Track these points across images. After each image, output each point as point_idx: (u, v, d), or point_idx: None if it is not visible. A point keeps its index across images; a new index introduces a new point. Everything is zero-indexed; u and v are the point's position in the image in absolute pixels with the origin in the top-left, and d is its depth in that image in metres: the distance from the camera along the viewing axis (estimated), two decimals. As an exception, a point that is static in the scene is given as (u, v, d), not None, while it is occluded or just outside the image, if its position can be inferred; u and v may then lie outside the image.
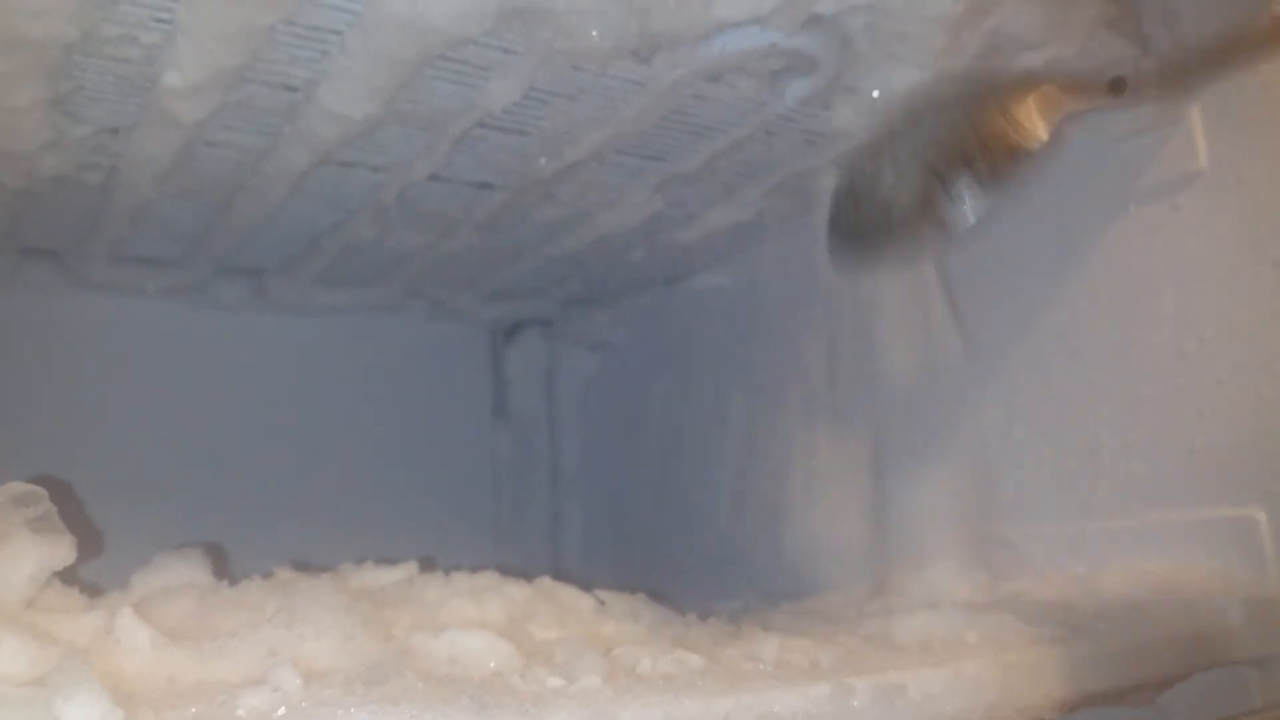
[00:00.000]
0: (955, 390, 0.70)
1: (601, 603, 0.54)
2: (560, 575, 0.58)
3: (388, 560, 0.58)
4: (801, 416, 0.84)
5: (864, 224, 0.55)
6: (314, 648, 0.38)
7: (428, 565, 0.57)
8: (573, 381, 1.11)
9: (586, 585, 0.57)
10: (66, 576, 0.42)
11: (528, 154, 0.66)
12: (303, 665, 0.36)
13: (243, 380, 0.94)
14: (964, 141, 0.51)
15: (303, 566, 0.57)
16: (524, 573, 0.58)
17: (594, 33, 0.51)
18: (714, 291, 0.94)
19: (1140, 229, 0.62)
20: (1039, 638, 0.44)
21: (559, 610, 0.51)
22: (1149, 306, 0.61)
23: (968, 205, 0.50)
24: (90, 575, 0.45)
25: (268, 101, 0.56)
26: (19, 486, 0.41)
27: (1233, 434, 0.57)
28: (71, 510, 0.41)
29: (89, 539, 0.43)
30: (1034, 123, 0.51)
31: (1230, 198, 0.59)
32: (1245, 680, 0.50)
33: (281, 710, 0.29)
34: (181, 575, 0.49)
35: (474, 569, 0.56)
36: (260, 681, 0.31)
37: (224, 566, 0.52)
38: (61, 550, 0.40)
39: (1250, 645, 0.49)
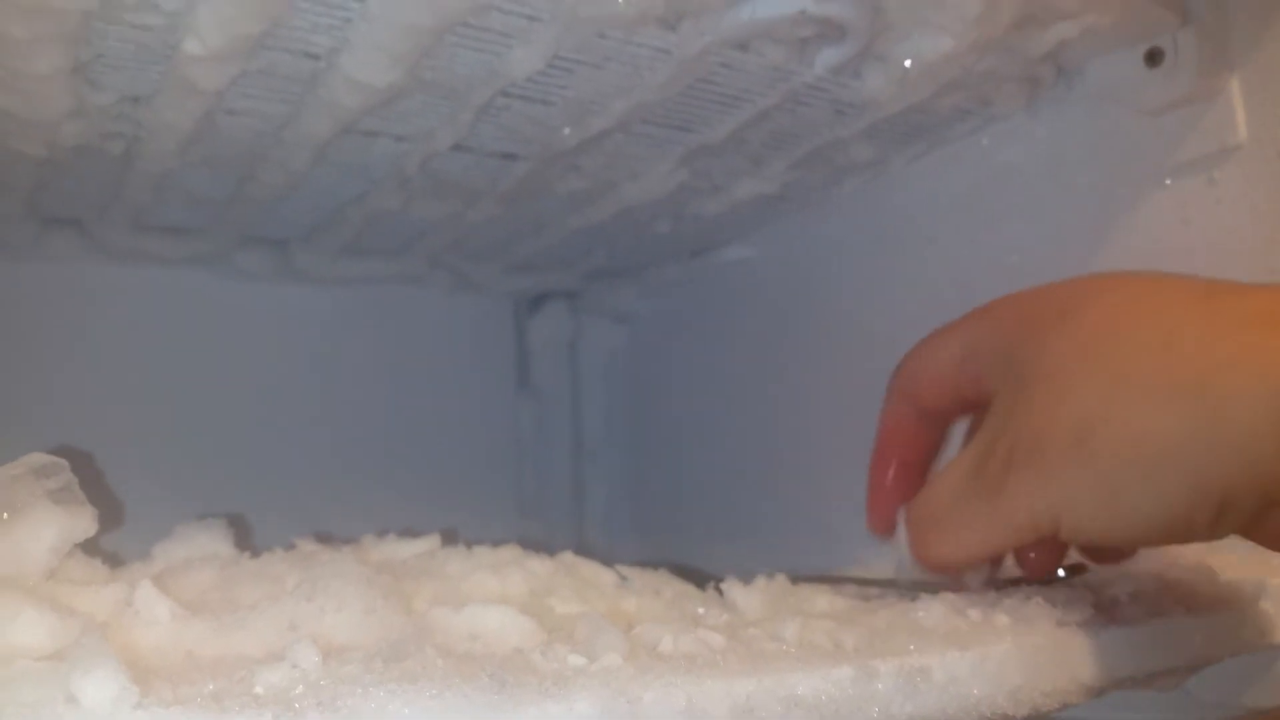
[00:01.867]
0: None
1: (623, 578, 0.54)
2: (583, 549, 0.58)
3: (410, 533, 0.58)
4: (827, 390, 0.83)
5: None
6: (334, 621, 0.38)
7: (449, 538, 0.57)
8: (597, 354, 1.11)
9: (609, 559, 0.56)
10: (88, 548, 0.42)
11: (552, 124, 0.65)
12: (323, 640, 0.36)
13: (266, 351, 0.93)
14: None
15: (325, 538, 0.57)
16: (546, 546, 0.58)
17: (620, -1, 0.50)
18: (740, 264, 0.93)
19: (1176, 203, 0.61)
20: (1066, 620, 0.43)
21: (580, 585, 0.51)
22: (1185, 281, 0.60)
23: None
24: (112, 546, 0.46)
25: (289, 69, 0.56)
26: (40, 457, 0.41)
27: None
28: (93, 481, 0.41)
29: (110, 510, 0.43)
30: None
31: (1269, 171, 0.58)
32: (1277, 666, 0.50)
33: (300, 688, 0.29)
34: (203, 546, 0.49)
35: (496, 542, 0.56)
36: (280, 657, 0.31)
37: (246, 538, 0.52)
38: (83, 521, 0.40)
39: (1283, 630, 0.48)
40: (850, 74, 0.61)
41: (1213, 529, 0.37)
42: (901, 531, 0.50)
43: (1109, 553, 0.48)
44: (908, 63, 0.59)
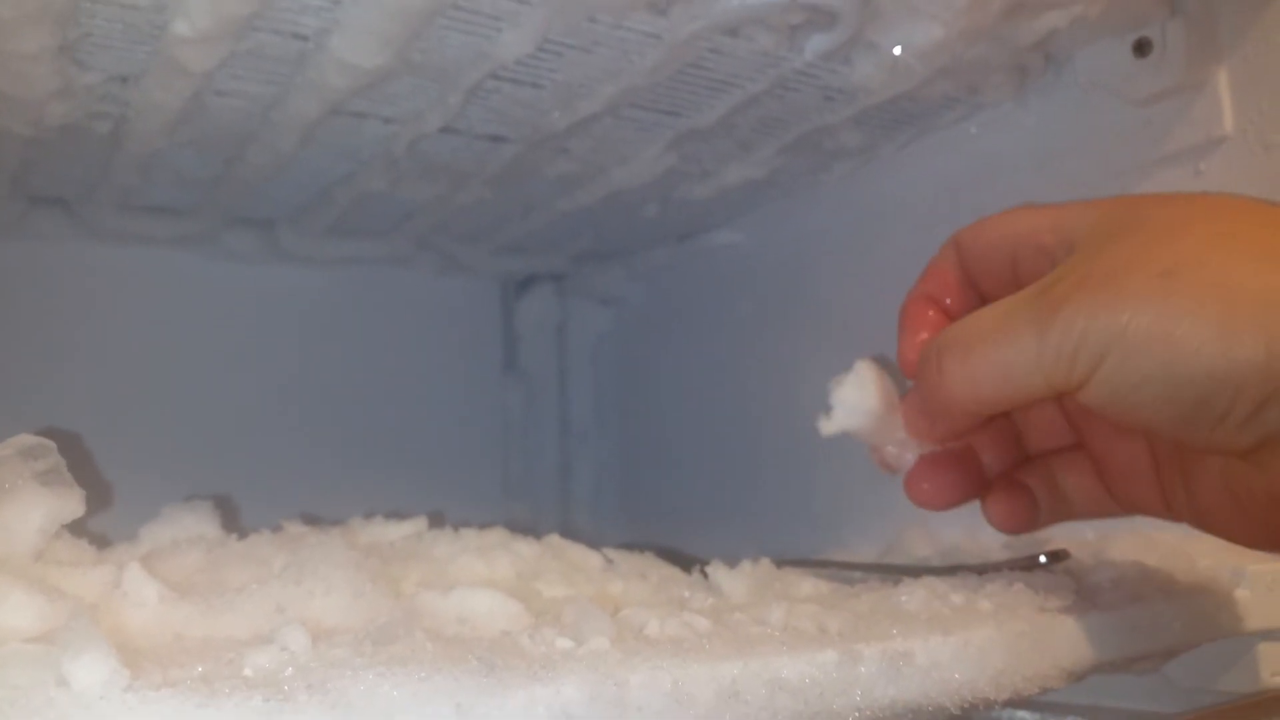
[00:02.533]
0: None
1: (609, 561, 0.54)
2: (569, 532, 0.58)
3: (397, 515, 0.58)
4: (813, 374, 0.83)
5: None
6: (322, 604, 0.38)
7: (436, 520, 0.57)
8: (584, 337, 1.11)
9: (595, 542, 0.57)
10: (75, 529, 0.42)
11: (541, 107, 0.65)
12: (311, 622, 0.36)
13: (253, 331, 0.93)
14: None
15: (312, 520, 0.57)
16: (533, 529, 0.58)
17: (610, -16, 0.50)
18: (729, 248, 0.93)
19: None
20: (1047, 605, 0.43)
21: (567, 568, 0.51)
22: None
23: None
24: (99, 527, 0.46)
25: (278, 50, 0.56)
26: (27, 439, 0.41)
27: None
28: (80, 462, 0.41)
29: (98, 491, 0.43)
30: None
31: (1254, 163, 0.58)
32: (1254, 652, 0.50)
33: (289, 670, 0.29)
34: (190, 528, 0.49)
35: (483, 525, 0.56)
36: (268, 640, 0.31)
37: (233, 519, 0.52)
38: (70, 503, 0.40)
39: (1260, 617, 0.49)
40: (840, 60, 0.61)
41: (1251, 417, 0.34)
42: (853, 381, 0.48)
43: (1104, 433, 0.44)
44: (897, 50, 0.59)
